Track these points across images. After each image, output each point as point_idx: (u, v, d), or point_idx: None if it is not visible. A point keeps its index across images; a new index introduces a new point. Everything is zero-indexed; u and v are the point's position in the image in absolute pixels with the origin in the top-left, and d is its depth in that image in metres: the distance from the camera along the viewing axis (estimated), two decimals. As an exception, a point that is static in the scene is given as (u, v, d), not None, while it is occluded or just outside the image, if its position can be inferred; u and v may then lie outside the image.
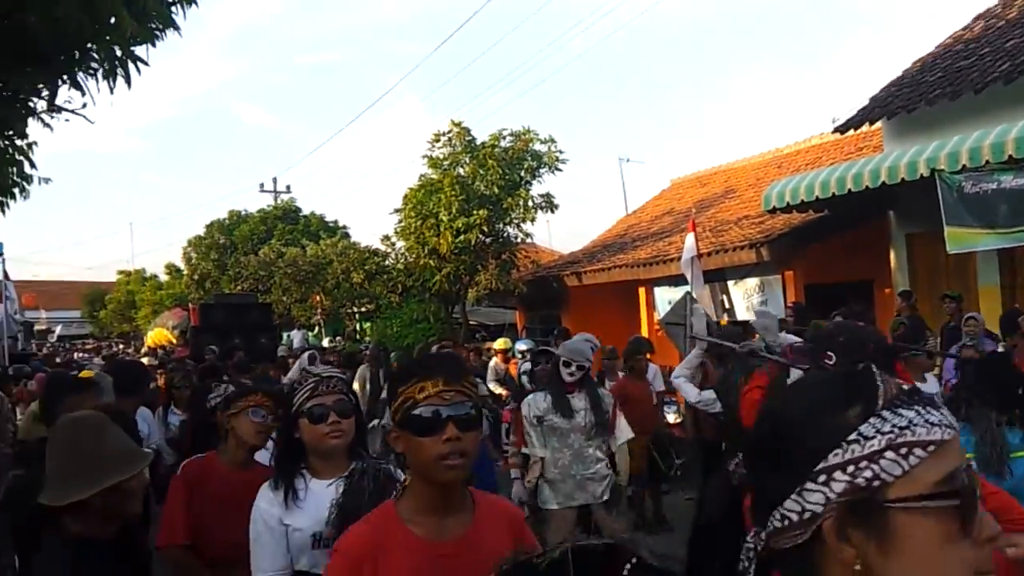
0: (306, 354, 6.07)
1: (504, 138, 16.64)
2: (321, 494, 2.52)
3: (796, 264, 11.76)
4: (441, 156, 17.08)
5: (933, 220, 8.37)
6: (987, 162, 7.64)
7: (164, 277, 35.70)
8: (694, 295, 11.01)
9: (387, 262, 20.14)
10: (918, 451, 0.92)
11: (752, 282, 12.59)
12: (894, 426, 0.93)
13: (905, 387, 0.99)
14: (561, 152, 16.60)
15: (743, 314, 12.82)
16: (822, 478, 0.94)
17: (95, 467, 2.30)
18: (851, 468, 0.93)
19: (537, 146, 16.55)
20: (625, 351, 8.08)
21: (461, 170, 16.73)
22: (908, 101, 9.86)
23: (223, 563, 3.02)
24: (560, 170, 16.65)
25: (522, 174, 16.45)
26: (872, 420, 0.94)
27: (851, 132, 11.78)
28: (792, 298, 11.76)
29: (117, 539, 2.40)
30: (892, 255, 10.77)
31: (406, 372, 1.90)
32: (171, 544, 3.16)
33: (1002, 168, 7.61)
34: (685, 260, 11.33)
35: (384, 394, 7.63)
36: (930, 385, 5.32)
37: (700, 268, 11.30)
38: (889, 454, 0.92)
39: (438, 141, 17.05)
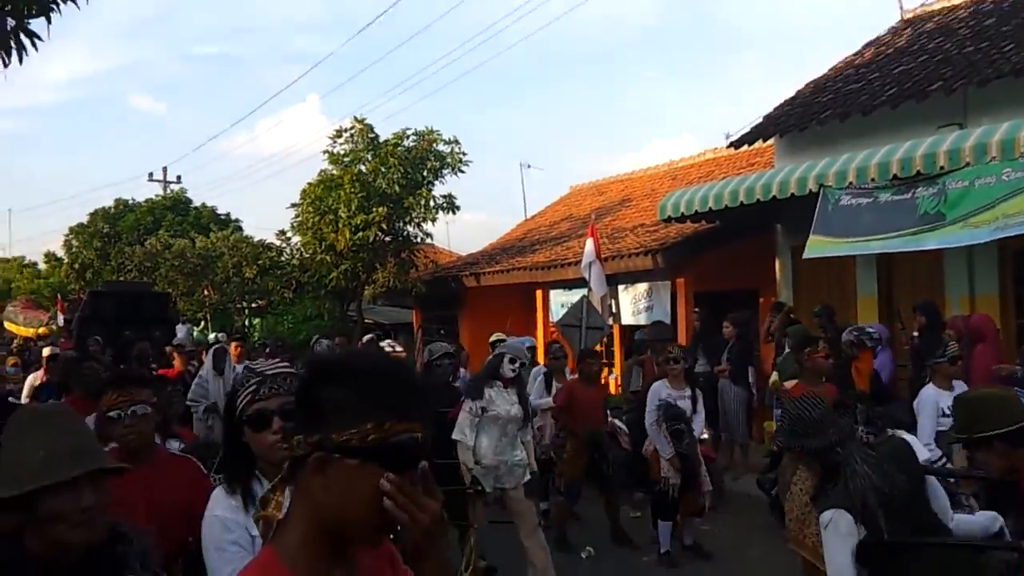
0: (215, 349, 5.97)
1: (408, 137, 16.63)
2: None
3: (687, 272, 12.20)
4: (342, 152, 16.93)
5: (818, 233, 8.84)
6: (872, 180, 8.15)
7: (43, 266, 33.95)
8: (595, 298, 11.31)
9: (282, 257, 19.74)
10: None
11: (642, 288, 12.96)
12: None
13: None
14: (464, 154, 16.72)
15: (628, 319, 13.22)
16: None
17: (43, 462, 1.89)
18: None
19: (441, 147, 16.61)
20: (578, 356, 8.31)
21: (362, 167, 16.60)
22: (800, 120, 10.40)
23: None
24: (463, 171, 16.75)
25: (424, 174, 16.46)
26: None
27: (744, 148, 12.31)
28: (682, 304, 12.21)
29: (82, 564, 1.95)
30: (777, 266, 11.30)
31: (379, 396, 1.36)
32: None
33: (884, 186, 8.13)
34: (585, 264, 11.57)
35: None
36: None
37: (602, 272, 11.56)
38: None
39: (340, 137, 16.91)
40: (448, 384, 6.85)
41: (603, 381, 7.94)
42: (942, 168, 7.57)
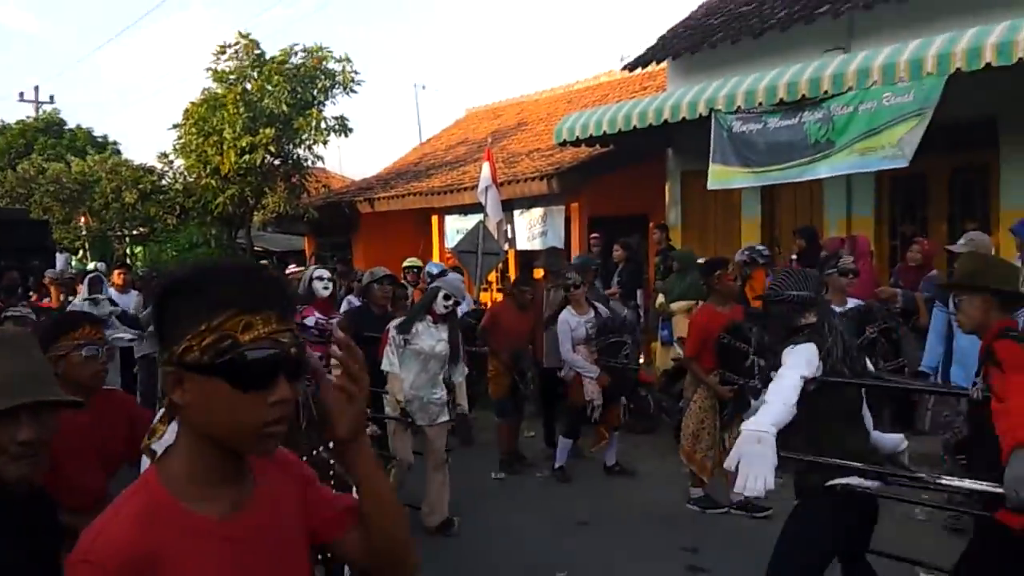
0: (90, 277, 5.63)
1: (296, 54, 15.91)
2: None
3: (582, 197, 12.23)
4: (227, 70, 16.08)
5: (707, 158, 8.94)
6: (760, 103, 8.21)
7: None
8: (491, 223, 11.24)
9: (164, 182, 18.81)
10: None
11: (537, 212, 12.97)
12: None
13: None
14: (357, 73, 16.11)
15: (524, 244, 13.25)
16: None
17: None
18: None
19: (331, 65, 15.96)
20: (515, 281, 8.30)
21: (248, 85, 15.85)
22: (692, 43, 10.38)
23: (81, 510, 2.79)
24: (355, 91, 16.17)
25: (315, 93, 15.84)
26: None
27: (639, 71, 12.27)
28: (576, 229, 12.29)
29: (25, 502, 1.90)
30: (667, 190, 11.43)
31: (217, 293, 1.29)
32: None
33: (772, 111, 8.23)
34: (481, 189, 11.45)
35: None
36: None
37: (498, 197, 11.47)
38: None
39: (223, 53, 16.01)
40: (387, 310, 6.66)
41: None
42: (826, 92, 7.68)
